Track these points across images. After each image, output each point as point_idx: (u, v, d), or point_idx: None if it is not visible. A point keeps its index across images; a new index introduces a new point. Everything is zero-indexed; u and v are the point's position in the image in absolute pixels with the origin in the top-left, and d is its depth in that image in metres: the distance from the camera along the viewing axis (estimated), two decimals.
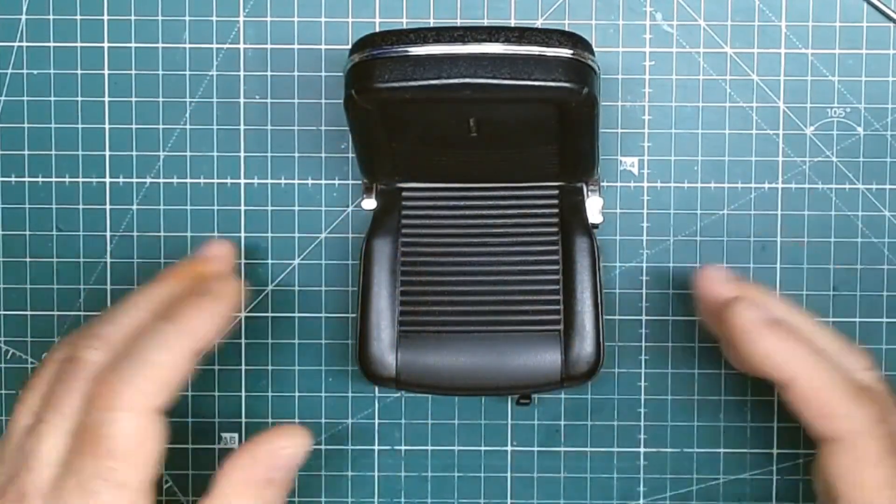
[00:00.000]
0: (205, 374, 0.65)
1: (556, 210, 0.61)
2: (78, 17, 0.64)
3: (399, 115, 0.56)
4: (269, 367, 0.65)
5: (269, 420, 0.65)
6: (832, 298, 0.65)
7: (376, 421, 0.66)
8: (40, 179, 0.64)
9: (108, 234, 0.65)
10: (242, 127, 0.64)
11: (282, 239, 0.65)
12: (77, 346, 0.54)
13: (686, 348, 0.65)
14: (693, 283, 0.60)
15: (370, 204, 0.62)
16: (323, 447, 0.66)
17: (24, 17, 0.64)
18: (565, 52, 0.54)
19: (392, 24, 0.64)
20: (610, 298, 0.64)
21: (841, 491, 0.53)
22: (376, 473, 0.66)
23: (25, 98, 0.64)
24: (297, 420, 0.65)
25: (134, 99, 0.64)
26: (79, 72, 0.64)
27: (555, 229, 0.61)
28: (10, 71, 0.64)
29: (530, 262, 0.61)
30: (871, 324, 0.64)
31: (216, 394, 0.65)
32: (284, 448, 0.55)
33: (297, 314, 0.65)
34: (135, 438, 0.52)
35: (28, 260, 0.65)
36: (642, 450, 0.65)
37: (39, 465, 0.52)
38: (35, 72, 0.64)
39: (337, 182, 0.65)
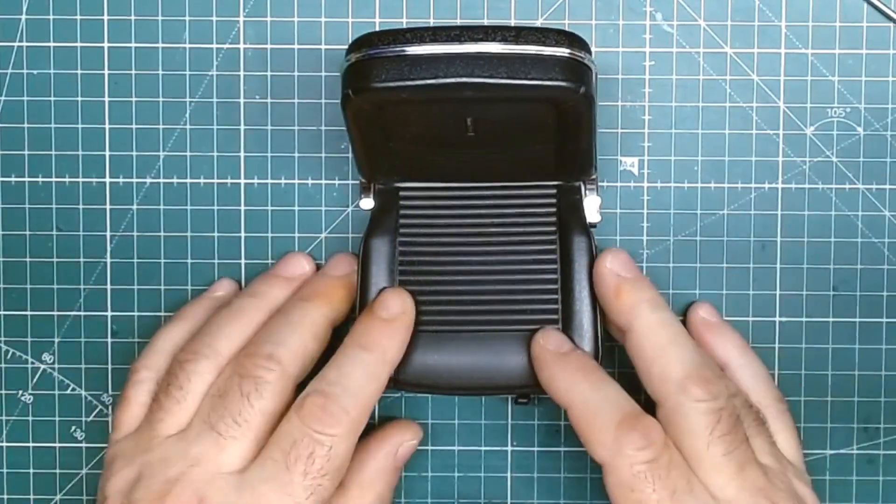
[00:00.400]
0: None
1: (553, 209, 0.61)
2: (78, 17, 0.64)
3: (396, 114, 0.56)
4: None
5: None
6: (832, 298, 0.64)
7: (376, 421, 0.66)
8: (40, 179, 0.65)
9: (108, 234, 0.65)
10: (242, 127, 0.64)
11: (282, 239, 0.65)
12: (251, 365, 0.58)
13: None
14: (596, 263, 0.61)
15: (368, 204, 0.62)
16: None
17: (24, 17, 0.64)
18: (562, 52, 0.54)
19: (392, 25, 0.64)
20: None
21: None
22: None
23: (25, 98, 0.64)
24: None
25: (134, 99, 0.64)
26: (79, 72, 0.64)
27: (553, 228, 0.61)
28: (10, 71, 0.64)
29: (528, 261, 0.61)
30: (871, 324, 0.64)
31: None
32: (410, 440, 0.64)
33: None
34: (343, 459, 0.57)
35: (28, 260, 0.65)
36: None
37: (218, 471, 0.57)
38: (35, 72, 0.64)
39: (337, 182, 0.65)
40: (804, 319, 0.65)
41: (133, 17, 0.64)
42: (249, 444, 0.57)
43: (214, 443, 0.57)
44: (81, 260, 0.65)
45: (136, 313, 0.65)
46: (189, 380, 0.59)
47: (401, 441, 0.63)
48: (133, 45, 0.64)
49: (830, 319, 0.65)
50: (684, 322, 0.64)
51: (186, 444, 0.58)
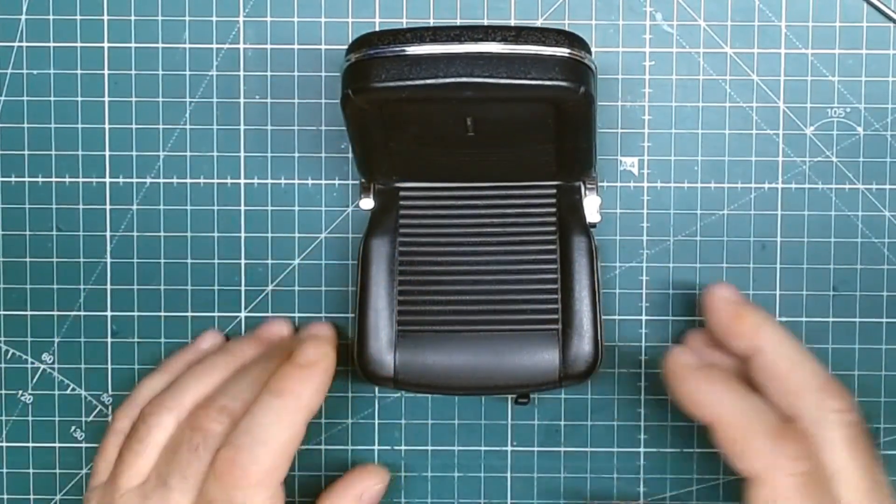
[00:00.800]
0: None
1: (553, 209, 0.61)
2: (78, 17, 0.64)
3: (396, 114, 0.56)
4: None
5: None
6: (832, 298, 0.64)
7: (376, 421, 0.66)
8: (40, 179, 0.65)
9: (108, 234, 0.65)
10: (242, 127, 0.64)
11: (282, 239, 0.65)
12: (203, 417, 0.58)
13: None
14: (700, 303, 0.61)
15: (368, 204, 0.62)
16: (323, 447, 0.66)
17: (24, 17, 0.64)
18: (562, 51, 0.54)
19: (392, 25, 0.64)
20: (610, 298, 0.64)
21: None
22: None
23: (25, 98, 0.64)
24: None
25: (134, 99, 0.64)
26: (79, 72, 0.64)
27: (553, 228, 0.61)
28: (10, 71, 0.64)
29: (528, 261, 0.61)
30: (871, 324, 0.64)
31: None
32: (375, 486, 0.63)
33: (297, 314, 0.65)
34: None
35: (28, 260, 0.65)
36: (642, 450, 0.65)
37: None
38: (35, 72, 0.64)
39: (337, 182, 0.65)
40: (804, 319, 0.65)
41: (133, 17, 0.64)
42: (197, 497, 0.58)
43: (165, 496, 0.58)
44: (81, 260, 0.65)
45: (136, 313, 0.65)
46: (150, 433, 0.59)
47: (365, 487, 0.63)
48: (133, 45, 0.64)
49: (830, 319, 0.65)
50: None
51: (143, 498, 0.58)
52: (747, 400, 0.57)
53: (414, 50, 0.54)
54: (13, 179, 0.65)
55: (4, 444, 0.66)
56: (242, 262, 0.65)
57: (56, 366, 0.65)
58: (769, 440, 0.56)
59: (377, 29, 0.63)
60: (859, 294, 0.64)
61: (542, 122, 0.56)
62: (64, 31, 0.64)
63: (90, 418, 0.66)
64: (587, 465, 0.66)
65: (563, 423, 0.66)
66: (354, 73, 0.54)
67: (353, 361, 0.62)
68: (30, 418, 0.66)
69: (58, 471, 0.66)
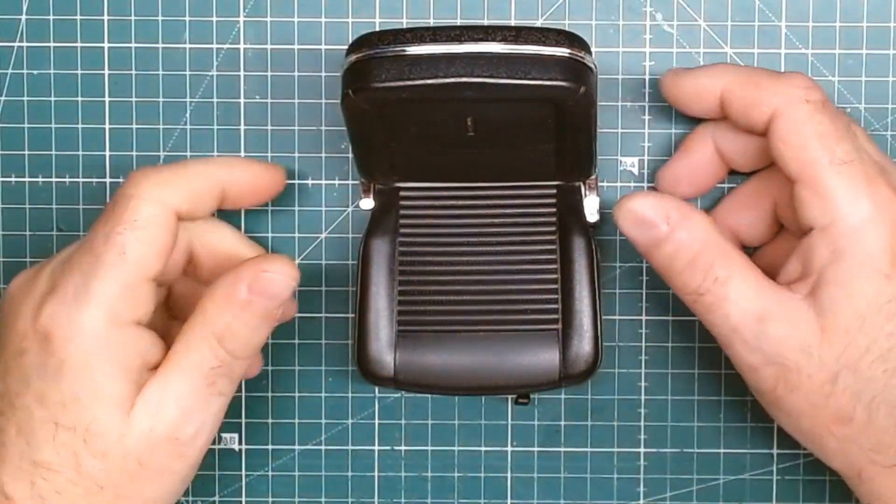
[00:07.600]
0: None
1: (553, 209, 0.61)
2: (78, 17, 0.64)
3: (396, 114, 0.56)
4: (269, 367, 0.65)
5: (269, 420, 0.65)
6: None
7: (376, 421, 0.66)
8: (40, 179, 0.65)
9: None
10: (242, 127, 0.64)
11: (282, 239, 0.65)
12: None
13: (686, 348, 0.65)
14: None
15: (368, 204, 0.62)
16: (323, 447, 0.66)
17: (24, 17, 0.64)
18: (562, 52, 0.54)
19: (392, 25, 0.64)
20: (610, 298, 0.64)
21: (788, 158, 0.57)
22: (376, 473, 0.66)
23: (25, 98, 0.64)
24: (296, 420, 0.65)
25: (134, 99, 0.64)
26: (79, 72, 0.64)
27: (552, 228, 0.61)
28: (10, 71, 0.64)
29: (528, 261, 0.61)
30: None
31: None
32: (266, 272, 0.56)
33: (297, 314, 0.65)
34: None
35: (28, 260, 0.65)
36: (642, 450, 0.65)
37: None
38: (35, 72, 0.64)
39: (337, 182, 0.65)
40: None
41: (133, 18, 0.64)
42: None
43: None
44: None
45: None
46: None
47: (257, 271, 0.56)
48: (133, 45, 0.64)
49: None
50: None
51: None
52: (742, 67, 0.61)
53: (414, 50, 0.54)
54: (13, 179, 0.65)
55: None
56: None
57: None
58: (777, 77, 0.57)
59: (377, 29, 0.63)
60: None
61: (542, 123, 0.56)
62: (64, 31, 0.64)
63: None
64: (587, 465, 0.66)
65: (563, 423, 0.66)
66: (354, 73, 0.54)
67: (353, 361, 0.62)
68: None
69: None
